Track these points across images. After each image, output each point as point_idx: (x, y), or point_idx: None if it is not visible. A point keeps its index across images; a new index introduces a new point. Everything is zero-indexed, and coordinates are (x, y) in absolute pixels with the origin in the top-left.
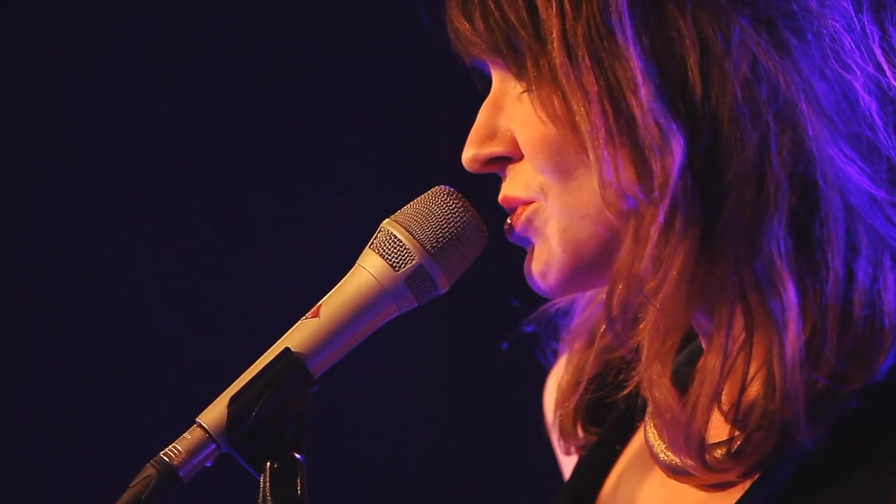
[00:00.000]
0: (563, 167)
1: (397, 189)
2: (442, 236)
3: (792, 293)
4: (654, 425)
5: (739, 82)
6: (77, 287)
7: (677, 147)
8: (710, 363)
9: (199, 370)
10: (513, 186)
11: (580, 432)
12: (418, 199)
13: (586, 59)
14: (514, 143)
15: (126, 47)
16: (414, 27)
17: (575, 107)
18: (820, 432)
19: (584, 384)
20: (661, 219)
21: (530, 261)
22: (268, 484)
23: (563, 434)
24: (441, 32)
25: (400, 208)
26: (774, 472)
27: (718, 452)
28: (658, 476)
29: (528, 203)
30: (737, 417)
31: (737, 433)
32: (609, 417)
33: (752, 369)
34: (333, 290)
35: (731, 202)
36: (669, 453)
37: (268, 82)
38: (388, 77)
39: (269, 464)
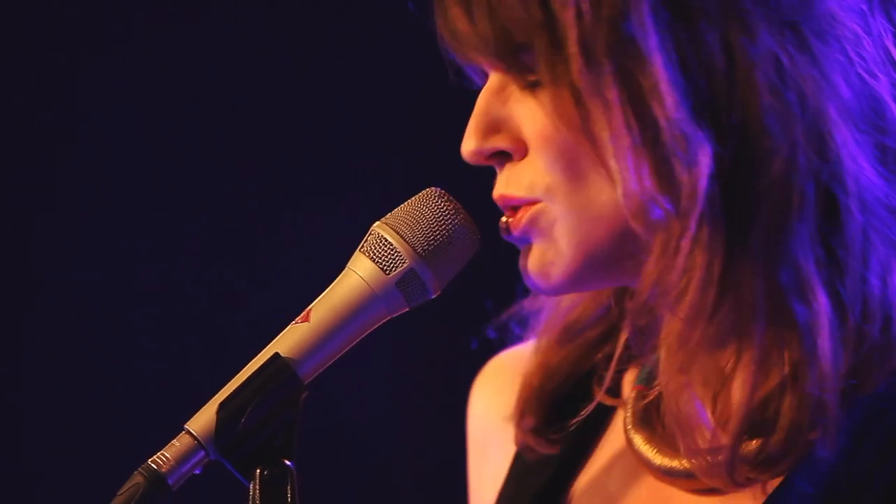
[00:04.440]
0: (574, 168)
1: (388, 191)
2: (433, 239)
3: (823, 301)
4: (645, 434)
5: (767, 89)
6: (67, 289)
7: (704, 157)
8: (742, 377)
9: (187, 375)
10: (513, 185)
11: (534, 427)
12: (409, 201)
13: (607, 65)
14: (519, 140)
15: (124, 48)
16: (412, 26)
17: (594, 115)
18: (837, 441)
19: (551, 383)
20: (692, 230)
21: (528, 258)
22: (258, 491)
23: (519, 422)
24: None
25: (391, 211)
26: (793, 483)
27: (746, 465)
28: (646, 481)
29: (529, 203)
30: (761, 428)
31: (760, 444)
32: (573, 420)
33: (778, 380)
34: (323, 294)
35: (760, 212)
36: (662, 456)
37: (262, 83)
38: (382, 77)
39: (258, 471)
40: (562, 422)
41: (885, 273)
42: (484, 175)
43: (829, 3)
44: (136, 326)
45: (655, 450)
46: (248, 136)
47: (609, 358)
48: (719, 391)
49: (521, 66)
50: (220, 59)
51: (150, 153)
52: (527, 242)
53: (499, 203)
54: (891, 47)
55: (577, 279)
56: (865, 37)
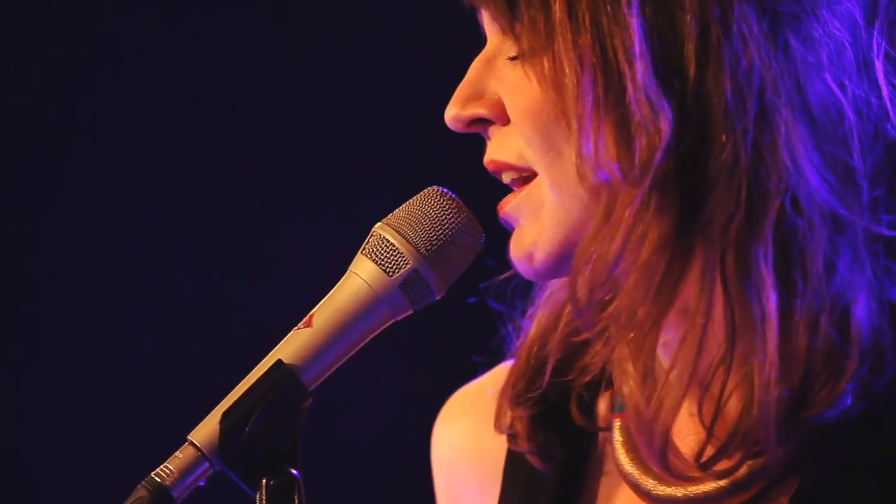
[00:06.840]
0: (550, 140)
1: (389, 191)
2: (436, 239)
3: (773, 300)
4: (641, 466)
5: (731, 75)
6: (68, 289)
7: (666, 126)
8: (682, 358)
9: (187, 375)
10: (501, 150)
11: (519, 415)
12: (410, 201)
13: (587, 19)
14: (500, 107)
15: (124, 48)
16: (412, 26)
17: (566, 69)
18: (789, 454)
19: (545, 363)
20: (638, 200)
21: (514, 241)
22: (264, 502)
23: (507, 406)
24: (439, 33)
25: (392, 211)
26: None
27: (683, 458)
28: None
29: (519, 170)
30: (710, 426)
31: (707, 442)
32: (563, 437)
33: (731, 377)
34: (326, 298)
35: (709, 199)
36: (665, 486)
37: (262, 83)
38: (382, 77)
39: (264, 481)
40: (546, 434)
41: (847, 287)
42: (486, 175)
43: (820, 4)
44: (136, 326)
45: (656, 481)
46: (248, 136)
47: (587, 382)
48: (668, 371)
49: (506, 13)
50: (220, 59)
51: (150, 153)
52: (515, 225)
53: (489, 168)
54: (877, 63)
55: (560, 262)
56: (849, 47)
